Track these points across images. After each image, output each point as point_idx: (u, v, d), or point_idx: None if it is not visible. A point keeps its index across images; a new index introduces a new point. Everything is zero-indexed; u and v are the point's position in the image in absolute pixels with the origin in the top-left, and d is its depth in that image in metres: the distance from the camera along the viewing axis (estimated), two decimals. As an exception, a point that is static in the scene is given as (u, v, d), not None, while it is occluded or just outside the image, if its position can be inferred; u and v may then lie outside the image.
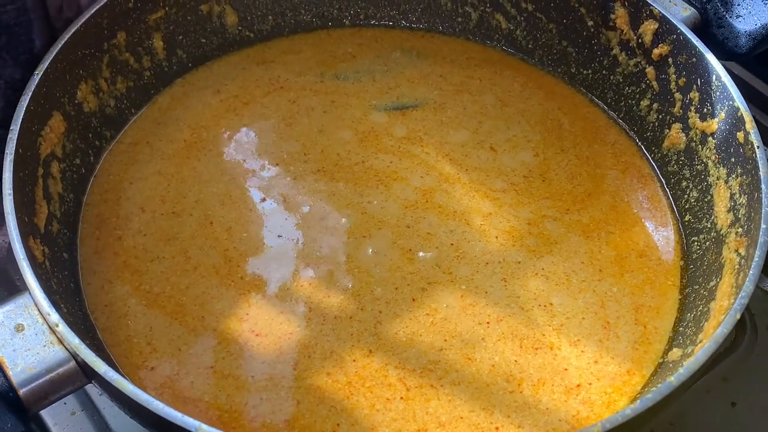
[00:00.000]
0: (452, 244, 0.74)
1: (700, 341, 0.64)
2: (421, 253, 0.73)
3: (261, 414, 0.63)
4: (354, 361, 0.67)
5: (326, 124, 0.84)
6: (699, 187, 0.76)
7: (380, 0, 0.93)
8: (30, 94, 0.68)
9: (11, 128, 0.65)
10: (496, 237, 0.75)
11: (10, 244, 0.81)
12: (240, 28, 0.89)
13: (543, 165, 0.81)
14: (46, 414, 0.71)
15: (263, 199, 0.77)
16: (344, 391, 0.65)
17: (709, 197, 0.75)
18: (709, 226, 0.74)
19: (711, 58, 0.75)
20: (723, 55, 0.81)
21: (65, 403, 0.72)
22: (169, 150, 0.80)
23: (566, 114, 0.86)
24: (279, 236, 0.75)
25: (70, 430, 0.71)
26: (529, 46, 0.91)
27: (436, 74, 0.89)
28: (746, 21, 0.82)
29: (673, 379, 0.56)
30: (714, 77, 0.75)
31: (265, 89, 0.86)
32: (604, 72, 0.86)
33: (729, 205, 0.72)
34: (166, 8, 0.83)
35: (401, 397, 0.65)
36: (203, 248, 0.73)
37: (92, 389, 0.72)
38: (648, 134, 0.83)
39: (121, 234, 0.73)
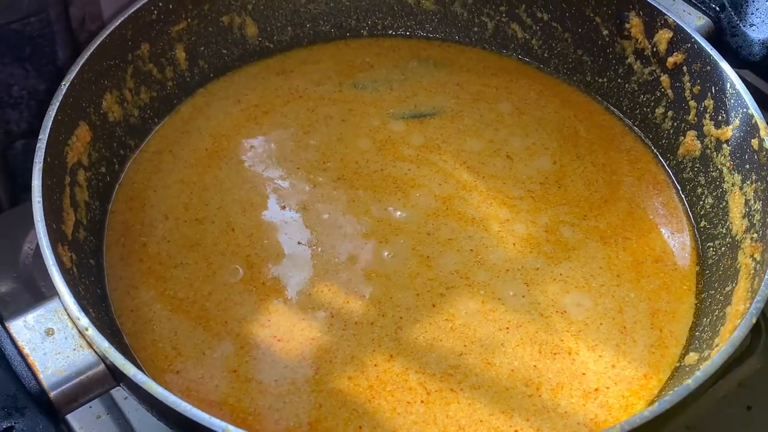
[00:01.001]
0: (472, 250, 0.75)
1: (717, 345, 0.65)
2: (440, 257, 0.75)
3: (284, 417, 0.65)
4: (375, 365, 0.68)
5: (345, 133, 0.85)
6: (714, 194, 0.77)
7: (397, 10, 0.94)
8: (57, 104, 0.69)
9: (39, 137, 0.67)
10: (514, 244, 0.76)
11: (36, 250, 0.83)
12: (260, 39, 0.91)
13: (559, 172, 0.82)
14: (72, 417, 0.72)
15: (283, 207, 0.78)
16: (366, 395, 0.66)
17: (724, 203, 0.76)
18: (724, 231, 0.75)
19: (725, 66, 0.76)
20: (737, 63, 0.82)
21: (90, 407, 0.73)
22: (192, 158, 0.82)
23: (582, 122, 0.87)
24: (299, 243, 0.76)
25: (95, 434, 0.72)
26: (545, 54, 0.92)
27: (452, 83, 0.90)
28: (760, 29, 0.82)
29: (691, 382, 0.57)
30: (728, 85, 0.76)
31: (284, 98, 0.88)
32: (619, 80, 0.87)
33: (744, 211, 0.73)
34: (189, 20, 0.84)
35: (422, 401, 0.66)
36: (225, 254, 0.74)
37: (117, 393, 0.74)
38: (663, 141, 0.84)
39: (145, 240, 0.75)
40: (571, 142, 0.85)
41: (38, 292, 0.80)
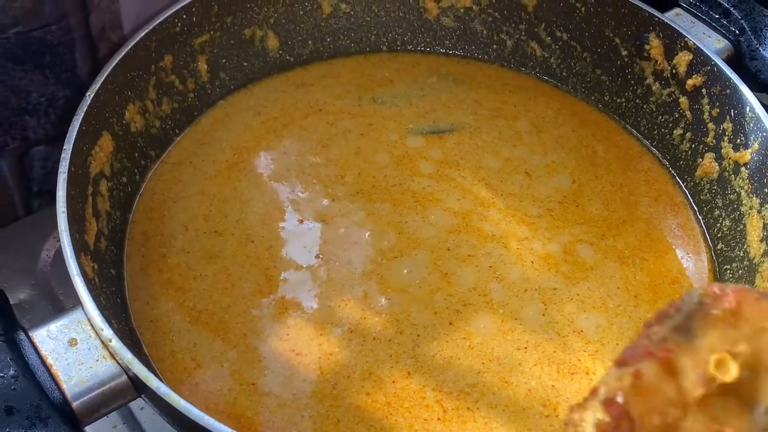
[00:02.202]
0: (491, 267, 0.75)
1: (734, 369, 0.65)
2: (459, 274, 0.75)
3: (302, 431, 0.65)
4: (393, 382, 0.68)
5: (363, 147, 0.85)
6: (732, 216, 0.78)
7: (417, 26, 0.95)
8: (82, 114, 0.69)
9: (64, 147, 0.67)
10: (532, 262, 0.76)
11: (54, 258, 0.83)
12: (281, 52, 0.91)
13: (577, 191, 0.83)
14: (88, 427, 0.72)
15: (301, 220, 0.79)
16: (383, 411, 0.66)
17: (741, 226, 0.76)
18: (741, 254, 0.75)
19: (744, 89, 0.77)
20: (756, 86, 0.83)
21: (107, 417, 0.73)
22: (212, 170, 0.82)
23: (600, 141, 0.88)
24: (317, 256, 0.76)
25: (111, 443, 0.72)
26: (564, 73, 0.92)
27: (471, 99, 0.91)
28: (779, 53, 0.83)
29: (710, 406, 0.57)
30: (747, 108, 0.76)
31: (304, 112, 0.88)
32: (637, 101, 0.88)
33: (762, 234, 0.73)
34: (211, 32, 0.85)
35: (438, 419, 0.66)
36: (244, 267, 0.75)
37: (133, 403, 0.73)
38: (681, 163, 0.84)
39: (165, 251, 0.75)
40: (590, 162, 0.85)
41: (56, 300, 0.80)
